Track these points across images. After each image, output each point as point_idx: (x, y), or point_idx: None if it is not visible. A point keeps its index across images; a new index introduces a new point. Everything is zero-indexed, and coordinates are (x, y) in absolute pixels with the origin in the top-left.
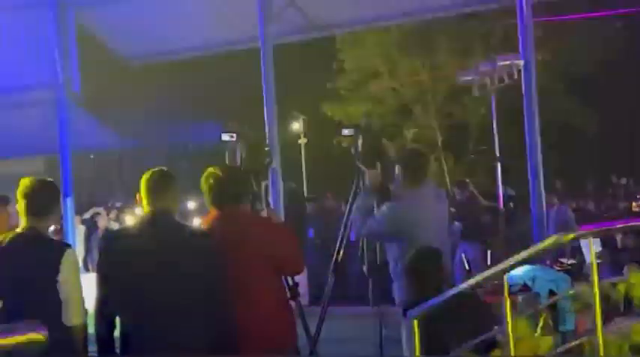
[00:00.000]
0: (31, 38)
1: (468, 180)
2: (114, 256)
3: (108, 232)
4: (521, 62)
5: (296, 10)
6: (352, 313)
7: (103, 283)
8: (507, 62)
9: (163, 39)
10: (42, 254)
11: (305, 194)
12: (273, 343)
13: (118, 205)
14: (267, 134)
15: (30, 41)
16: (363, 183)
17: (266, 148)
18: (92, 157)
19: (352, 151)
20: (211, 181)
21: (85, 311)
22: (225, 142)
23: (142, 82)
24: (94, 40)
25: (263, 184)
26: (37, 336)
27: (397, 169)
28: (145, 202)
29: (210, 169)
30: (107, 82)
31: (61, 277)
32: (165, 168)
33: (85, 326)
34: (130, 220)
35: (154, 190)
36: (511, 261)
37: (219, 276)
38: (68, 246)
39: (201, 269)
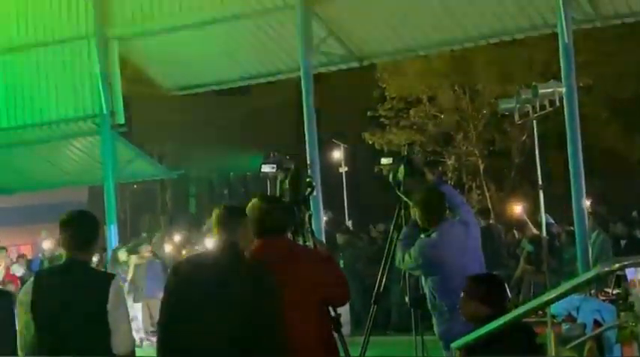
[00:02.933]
0: (75, 71)
1: (490, 208)
2: (179, 285)
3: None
4: (563, 89)
5: (336, 40)
6: (394, 343)
7: (167, 310)
8: (549, 90)
9: (204, 70)
10: (89, 285)
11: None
12: None
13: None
14: (308, 163)
15: (74, 74)
16: (406, 213)
17: (308, 179)
18: (135, 186)
19: (391, 180)
20: (256, 211)
21: (133, 340)
22: (266, 172)
23: (183, 113)
24: (137, 71)
25: (307, 214)
26: None
27: (413, 210)
28: (215, 234)
29: (255, 200)
30: (149, 113)
31: (109, 307)
32: (236, 204)
33: (133, 354)
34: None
35: (226, 223)
36: (556, 292)
37: (278, 312)
38: (113, 276)
39: (260, 303)
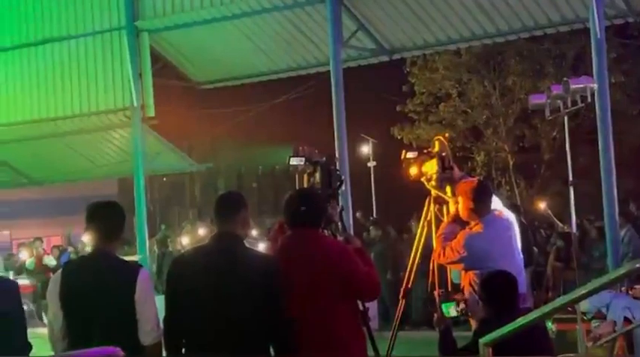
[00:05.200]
0: (106, 63)
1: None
2: (178, 278)
3: (176, 255)
4: (595, 85)
5: (366, 34)
6: (420, 338)
7: (169, 304)
8: (581, 85)
9: (234, 63)
10: (117, 275)
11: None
12: None
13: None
14: (336, 157)
15: (106, 66)
16: (439, 210)
17: (337, 172)
18: (164, 179)
19: (424, 178)
20: (292, 203)
21: (160, 331)
22: (295, 165)
23: (213, 106)
24: (167, 64)
25: (337, 208)
26: None
27: (461, 202)
28: (216, 224)
29: (292, 192)
30: (180, 106)
31: (137, 297)
32: (235, 191)
33: (160, 345)
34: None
35: (221, 213)
36: (586, 289)
37: (281, 300)
38: (141, 266)
39: (261, 294)
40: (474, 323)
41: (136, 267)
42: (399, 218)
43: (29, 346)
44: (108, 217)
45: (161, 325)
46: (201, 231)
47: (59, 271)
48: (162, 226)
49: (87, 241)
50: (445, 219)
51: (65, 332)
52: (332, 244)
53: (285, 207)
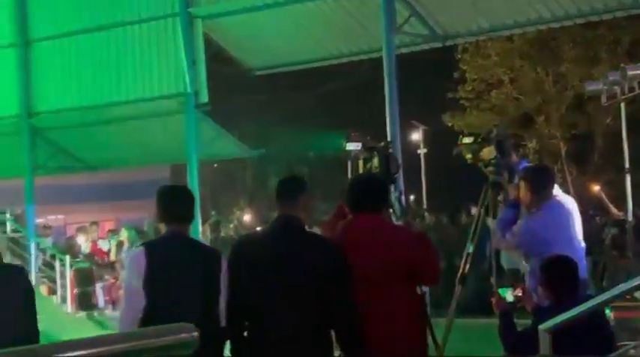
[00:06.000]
0: (160, 50)
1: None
2: (240, 262)
3: (228, 240)
4: None
5: (419, 20)
6: (474, 325)
7: (232, 288)
8: (638, 72)
9: (286, 49)
10: (205, 258)
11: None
12: (405, 353)
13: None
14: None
15: (159, 53)
16: (496, 195)
17: (395, 158)
18: (215, 165)
19: (482, 164)
20: (355, 188)
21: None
22: (348, 151)
23: (265, 92)
24: (220, 50)
25: (396, 193)
26: (189, 337)
27: (522, 186)
28: (277, 207)
29: (356, 176)
30: (232, 92)
31: (222, 277)
32: (297, 175)
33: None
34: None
35: (282, 197)
36: None
37: (346, 284)
38: (220, 250)
39: (325, 278)
40: (529, 309)
41: (216, 250)
42: (451, 205)
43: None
44: (182, 200)
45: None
46: (248, 217)
47: (140, 251)
48: (212, 213)
49: (158, 223)
50: (503, 205)
51: (149, 313)
52: (395, 229)
53: (348, 191)
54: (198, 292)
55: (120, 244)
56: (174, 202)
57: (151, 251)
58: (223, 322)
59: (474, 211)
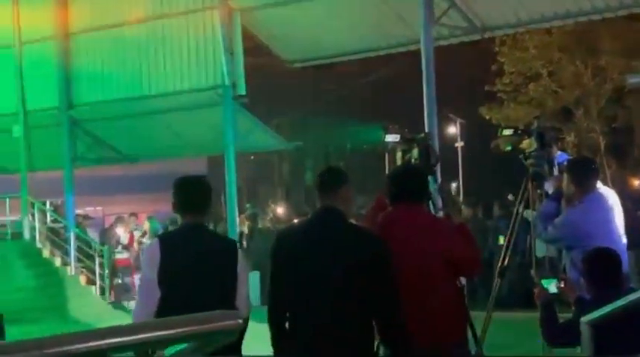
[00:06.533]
0: (199, 42)
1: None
2: (282, 254)
3: (278, 230)
4: None
5: (457, 12)
6: (512, 319)
7: (273, 280)
8: None
9: (324, 42)
10: (221, 248)
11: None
12: (445, 346)
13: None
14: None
15: (198, 45)
16: (536, 187)
17: (434, 150)
18: (252, 157)
19: (522, 156)
20: (395, 179)
21: (250, 304)
22: (386, 143)
23: (302, 84)
24: (258, 43)
25: (436, 185)
26: (234, 324)
27: (566, 178)
28: (318, 199)
29: (397, 167)
30: (270, 85)
31: (239, 270)
32: (337, 167)
33: (248, 319)
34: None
35: (323, 188)
36: None
37: (389, 276)
38: (236, 240)
39: (366, 269)
40: (571, 301)
41: (233, 241)
42: (487, 199)
43: None
44: (198, 191)
45: (249, 304)
46: (281, 209)
47: (154, 242)
48: (247, 205)
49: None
50: (544, 197)
51: (163, 304)
52: (435, 220)
53: (389, 183)
54: (214, 282)
55: (143, 235)
56: (190, 193)
57: (166, 243)
58: (244, 312)
59: (508, 203)
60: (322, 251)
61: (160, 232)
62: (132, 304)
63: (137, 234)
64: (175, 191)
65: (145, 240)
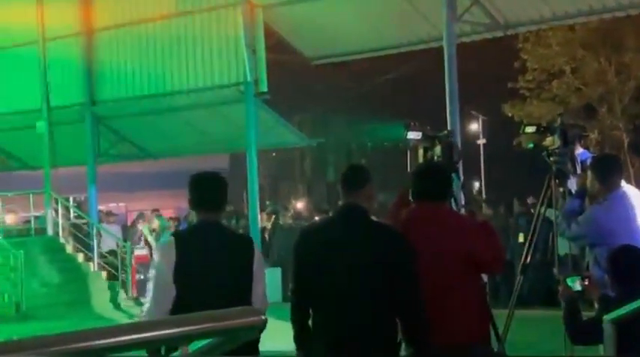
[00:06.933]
0: (221, 39)
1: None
2: (305, 250)
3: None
4: None
5: (480, 8)
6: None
7: (296, 277)
8: None
9: (346, 39)
10: (236, 245)
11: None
12: (468, 342)
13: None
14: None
15: (220, 42)
16: (559, 185)
17: (457, 147)
18: (274, 154)
19: (545, 153)
20: (419, 176)
21: (267, 302)
22: (407, 141)
23: (324, 81)
24: (280, 40)
25: (459, 183)
26: (258, 320)
27: (590, 176)
28: (341, 196)
29: (420, 165)
30: (291, 81)
31: (255, 267)
32: (361, 164)
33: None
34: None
35: (347, 186)
36: None
37: (412, 273)
38: (252, 237)
39: (389, 266)
40: (595, 299)
41: (250, 238)
42: (509, 196)
43: None
44: (213, 187)
45: (266, 302)
46: (301, 205)
47: (170, 241)
48: (267, 203)
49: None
50: (568, 195)
51: (179, 302)
52: (459, 217)
53: (413, 180)
54: (229, 280)
55: (152, 232)
56: (205, 190)
57: (181, 241)
58: (262, 308)
59: (529, 201)
60: (346, 248)
61: (169, 228)
62: None
63: (146, 231)
64: (191, 188)
65: (152, 238)
